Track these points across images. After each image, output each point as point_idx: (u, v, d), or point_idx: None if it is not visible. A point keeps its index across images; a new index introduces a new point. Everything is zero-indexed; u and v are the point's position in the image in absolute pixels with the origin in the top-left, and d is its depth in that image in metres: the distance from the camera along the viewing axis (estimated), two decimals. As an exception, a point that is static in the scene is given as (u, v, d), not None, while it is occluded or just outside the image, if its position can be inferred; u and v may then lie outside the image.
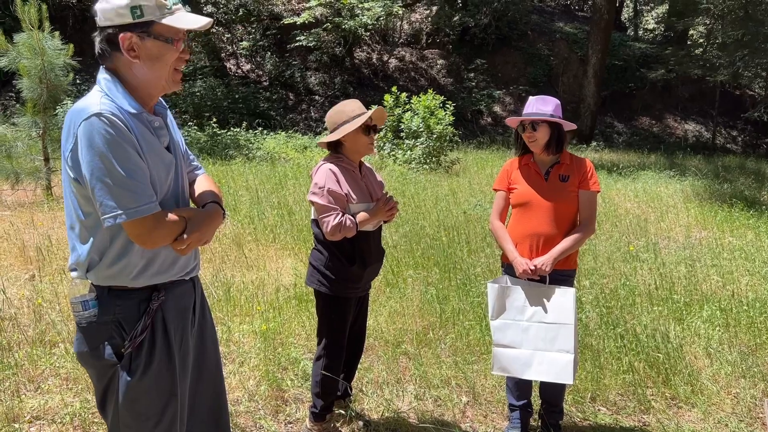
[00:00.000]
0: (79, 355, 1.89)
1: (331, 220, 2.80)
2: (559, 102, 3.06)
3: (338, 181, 2.87)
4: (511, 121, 3.11)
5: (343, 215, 2.82)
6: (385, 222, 3.16)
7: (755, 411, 3.49)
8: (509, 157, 3.27)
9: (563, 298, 2.87)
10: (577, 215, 3.01)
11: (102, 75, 1.80)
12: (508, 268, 3.10)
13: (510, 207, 3.16)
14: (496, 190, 3.19)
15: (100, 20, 1.76)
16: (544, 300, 2.90)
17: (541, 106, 2.99)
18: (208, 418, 2.11)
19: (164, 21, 1.75)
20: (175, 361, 1.90)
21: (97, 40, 1.79)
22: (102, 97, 1.74)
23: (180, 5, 1.82)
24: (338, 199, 2.84)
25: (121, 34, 1.74)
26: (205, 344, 2.10)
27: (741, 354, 4.09)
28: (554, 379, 2.90)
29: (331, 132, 2.97)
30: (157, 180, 1.81)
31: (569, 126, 3.04)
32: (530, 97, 3.08)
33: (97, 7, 1.75)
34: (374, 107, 3.01)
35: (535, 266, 2.90)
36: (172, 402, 1.89)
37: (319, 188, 2.86)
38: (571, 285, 3.04)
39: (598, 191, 3.03)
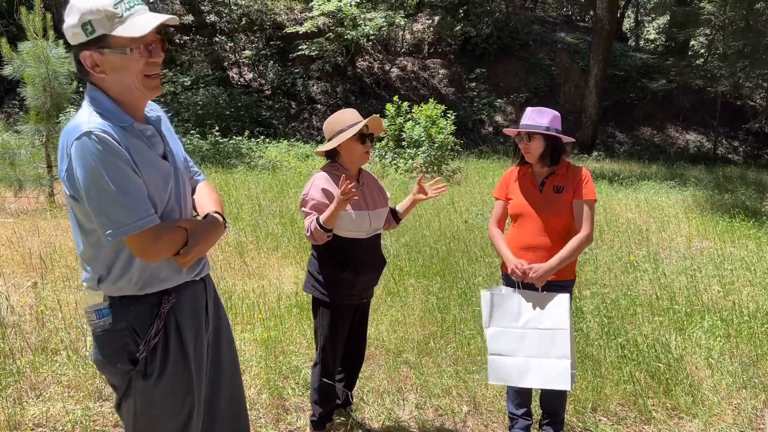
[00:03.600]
0: (97, 363, 1.91)
1: (306, 223, 2.85)
2: (557, 114, 3.04)
3: (324, 194, 2.87)
4: (510, 132, 3.12)
5: (311, 218, 2.84)
6: (397, 222, 3.20)
7: (756, 422, 3.48)
8: (510, 167, 3.28)
9: (558, 303, 2.86)
10: (572, 227, 2.98)
11: (89, 92, 1.81)
12: (508, 277, 3.10)
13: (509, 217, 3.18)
14: (495, 198, 3.21)
15: (69, 40, 1.76)
16: (539, 306, 2.89)
17: (537, 117, 2.98)
18: (227, 420, 2.12)
19: (115, 32, 1.70)
20: (191, 361, 1.92)
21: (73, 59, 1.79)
22: (90, 114, 1.74)
23: (138, 8, 1.74)
24: (318, 208, 2.85)
25: (81, 54, 1.73)
26: (220, 345, 2.10)
27: (742, 365, 4.08)
28: (552, 385, 2.87)
29: (327, 141, 3.00)
30: (155, 192, 1.81)
31: (566, 139, 3.05)
32: (527, 108, 3.07)
33: (63, 28, 1.75)
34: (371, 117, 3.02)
35: (528, 268, 2.89)
36: (188, 403, 1.92)
37: (304, 195, 2.92)
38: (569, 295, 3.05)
39: (593, 199, 2.97)
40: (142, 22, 1.72)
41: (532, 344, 2.89)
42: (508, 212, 3.15)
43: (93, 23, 1.68)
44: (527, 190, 3.05)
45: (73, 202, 1.76)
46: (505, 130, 3.18)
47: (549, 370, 2.86)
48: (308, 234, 2.84)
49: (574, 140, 3.19)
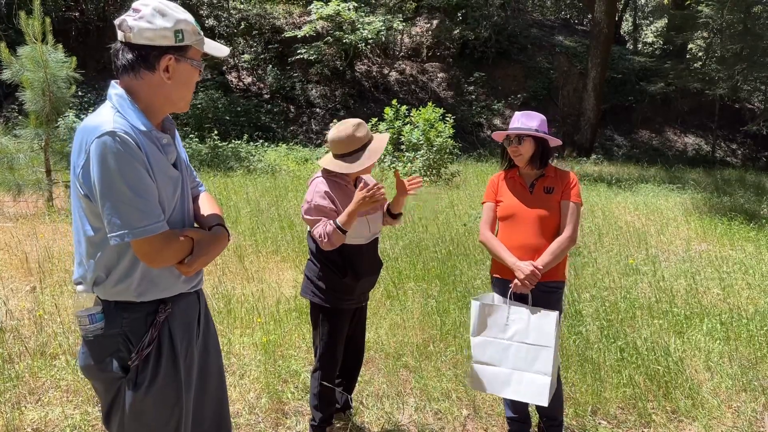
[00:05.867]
0: (85, 369, 1.89)
1: (317, 231, 2.81)
2: (544, 117, 3.09)
3: (327, 197, 2.86)
4: (498, 135, 3.13)
5: (325, 224, 2.80)
6: (394, 218, 3.16)
7: (756, 425, 3.48)
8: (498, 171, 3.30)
9: (546, 320, 2.86)
10: (561, 227, 3.01)
11: (114, 91, 1.81)
12: (499, 281, 3.07)
13: (497, 220, 3.16)
14: (484, 202, 3.20)
15: (135, 38, 1.76)
16: (527, 321, 2.90)
17: (526, 121, 3.02)
18: (211, 429, 2.12)
19: (199, 47, 1.87)
20: (181, 373, 1.91)
21: (127, 55, 1.79)
22: (114, 114, 1.75)
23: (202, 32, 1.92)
24: (326, 213, 2.84)
25: (165, 56, 1.79)
26: (208, 355, 2.11)
27: (741, 367, 4.08)
28: (530, 399, 2.89)
29: (337, 155, 2.94)
30: (165, 198, 1.83)
31: (554, 142, 3.07)
32: (516, 113, 3.11)
33: (133, 24, 1.75)
34: (379, 133, 3.00)
35: (537, 268, 2.88)
36: (176, 413, 1.91)
37: (308, 203, 2.87)
38: (559, 297, 3.06)
39: (579, 203, 3.02)
40: (215, 45, 1.95)
41: (515, 357, 2.91)
42: (497, 215, 3.14)
43: (184, 32, 1.81)
44: (518, 191, 3.06)
45: (85, 200, 1.76)
46: (495, 134, 3.17)
47: (529, 384, 2.87)
48: (325, 240, 2.78)
49: (561, 142, 3.21)
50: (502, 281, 3.05)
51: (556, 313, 2.87)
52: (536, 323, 2.87)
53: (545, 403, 2.85)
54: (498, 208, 3.11)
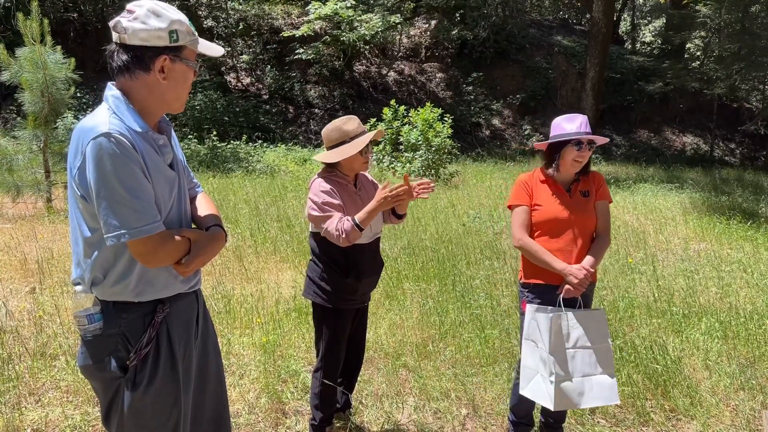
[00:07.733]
0: (84, 369, 1.90)
1: (332, 227, 2.78)
2: None
3: (333, 194, 2.88)
4: (580, 137, 2.97)
5: (340, 219, 2.80)
6: (399, 218, 3.16)
7: (754, 423, 3.49)
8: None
9: (598, 318, 2.87)
10: (596, 228, 3.03)
11: (111, 92, 1.82)
12: (541, 287, 2.99)
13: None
14: (516, 205, 3.04)
15: (130, 39, 1.77)
16: (583, 324, 2.86)
17: (588, 128, 3.00)
18: (210, 429, 2.13)
19: (193, 47, 1.88)
20: (179, 373, 1.92)
21: (122, 57, 1.79)
22: (110, 115, 1.76)
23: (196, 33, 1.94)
24: (335, 208, 2.85)
25: (160, 56, 1.80)
26: (207, 355, 2.12)
27: (740, 366, 4.09)
28: (604, 402, 2.85)
29: (328, 149, 2.98)
30: (161, 199, 1.84)
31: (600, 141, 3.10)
32: (577, 116, 3.02)
33: (127, 25, 1.76)
34: (374, 130, 3.01)
35: (589, 270, 2.87)
36: (175, 413, 1.92)
37: (314, 203, 2.87)
38: (591, 298, 3.08)
39: (611, 200, 3.08)
40: (210, 45, 1.96)
41: (582, 363, 2.85)
42: (532, 220, 3.03)
43: (179, 33, 1.82)
44: (558, 196, 3.00)
45: (82, 201, 1.77)
46: (579, 137, 2.96)
47: (599, 387, 2.84)
48: (342, 236, 2.76)
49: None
50: (545, 287, 2.98)
51: (603, 310, 2.92)
52: (592, 325, 2.86)
53: (618, 401, 2.86)
54: (535, 213, 3.01)
